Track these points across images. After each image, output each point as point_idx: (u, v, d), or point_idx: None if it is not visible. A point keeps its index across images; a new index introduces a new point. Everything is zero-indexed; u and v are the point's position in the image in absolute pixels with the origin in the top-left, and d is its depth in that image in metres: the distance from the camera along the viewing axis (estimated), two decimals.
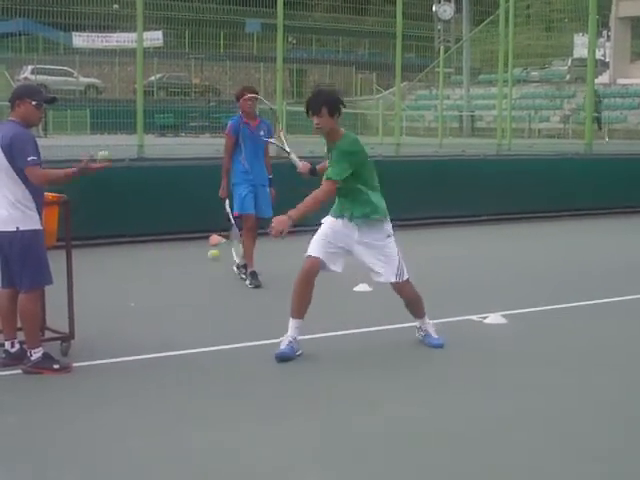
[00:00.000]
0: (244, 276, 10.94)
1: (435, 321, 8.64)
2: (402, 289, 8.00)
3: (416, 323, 8.32)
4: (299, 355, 7.70)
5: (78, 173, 7.29)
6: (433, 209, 16.32)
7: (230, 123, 11.11)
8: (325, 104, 7.62)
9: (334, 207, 7.91)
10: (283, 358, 7.59)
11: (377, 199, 7.82)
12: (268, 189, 11.02)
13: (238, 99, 10.97)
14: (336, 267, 7.84)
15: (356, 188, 7.72)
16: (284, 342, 7.70)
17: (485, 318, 9.09)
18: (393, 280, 7.91)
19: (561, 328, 9.00)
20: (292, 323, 7.75)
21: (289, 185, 12.39)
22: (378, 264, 7.87)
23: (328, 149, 7.83)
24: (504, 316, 9.14)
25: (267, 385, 7.08)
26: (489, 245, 14.79)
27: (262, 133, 10.89)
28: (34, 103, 7.21)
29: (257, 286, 10.74)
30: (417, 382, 7.21)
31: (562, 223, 17.51)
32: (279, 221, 7.32)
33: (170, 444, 5.80)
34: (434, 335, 8.21)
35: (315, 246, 7.77)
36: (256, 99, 10.95)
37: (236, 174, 10.94)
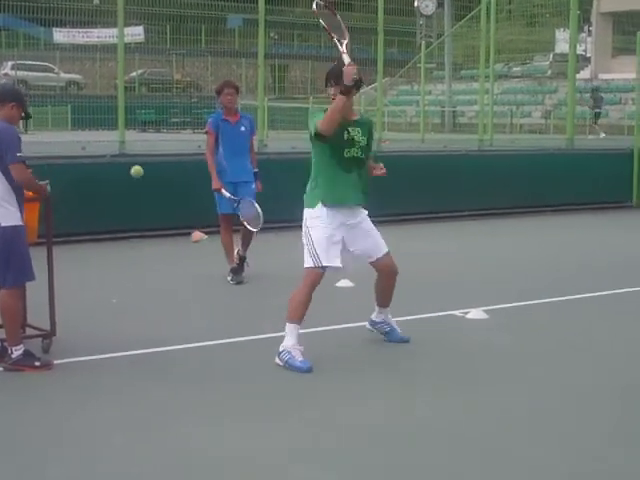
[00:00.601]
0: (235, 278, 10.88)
1: (417, 316, 8.69)
2: (393, 260, 7.80)
3: (377, 316, 8.13)
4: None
5: (45, 193, 7.49)
6: (415, 205, 16.34)
7: (210, 120, 11.05)
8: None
9: (333, 193, 7.53)
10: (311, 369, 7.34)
11: None
12: (253, 185, 10.94)
13: (218, 94, 10.94)
14: (338, 263, 7.58)
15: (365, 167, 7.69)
16: (300, 354, 7.36)
17: (467, 313, 9.11)
18: (386, 250, 7.75)
19: (542, 323, 9.03)
20: (294, 329, 7.45)
21: (274, 181, 12.45)
22: (376, 237, 7.73)
23: (344, 122, 7.42)
24: (486, 311, 9.16)
25: (251, 382, 7.07)
26: (471, 241, 14.81)
27: (243, 129, 10.86)
28: (19, 108, 7.27)
29: (239, 282, 10.72)
30: (400, 378, 7.22)
31: (544, 218, 17.56)
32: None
33: (155, 440, 5.79)
34: (398, 329, 8.12)
35: (325, 254, 7.43)
36: (237, 93, 10.91)
37: (217, 172, 10.85)
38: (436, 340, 8.22)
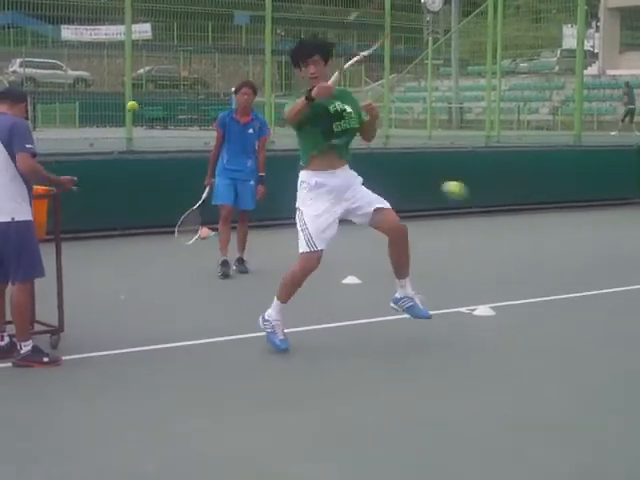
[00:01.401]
0: (236, 269, 11.12)
1: None
2: (397, 217, 7.59)
3: (399, 292, 7.88)
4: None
5: (58, 182, 7.58)
6: (421, 201, 16.31)
7: (219, 116, 11.25)
8: (319, 49, 7.29)
9: (322, 161, 7.38)
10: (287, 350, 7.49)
11: None
12: (252, 183, 11.07)
13: (236, 92, 11.14)
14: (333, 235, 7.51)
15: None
16: (282, 333, 7.55)
17: (474, 310, 9.12)
18: (386, 204, 7.56)
19: (549, 320, 9.04)
20: (281, 307, 7.59)
21: (282, 177, 12.46)
22: (372, 195, 7.57)
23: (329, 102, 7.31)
24: (493, 308, 9.17)
25: (257, 377, 7.09)
26: (478, 237, 14.81)
27: (251, 131, 10.97)
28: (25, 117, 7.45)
29: (226, 276, 10.86)
30: (405, 375, 7.22)
31: (551, 215, 17.54)
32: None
33: (161, 435, 5.81)
34: (420, 305, 7.87)
35: (320, 236, 7.37)
36: (254, 94, 11.02)
37: (218, 167, 11.07)
38: (443, 337, 8.22)
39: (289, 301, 7.63)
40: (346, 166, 7.57)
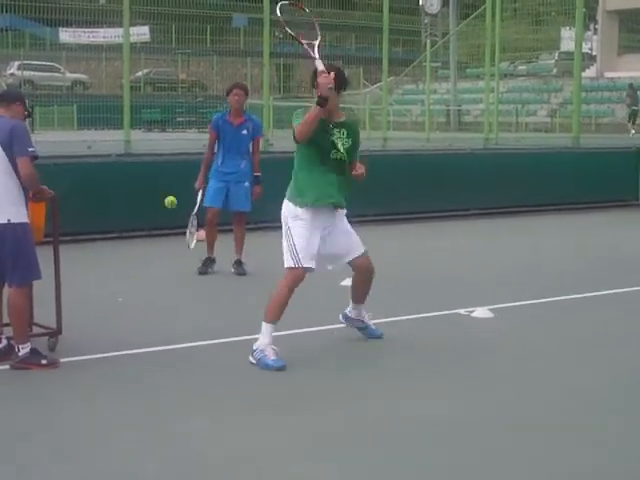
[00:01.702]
0: (235, 271, 11.20)
1: (422, 315, 8.68)
2: (369, 259, 7.83)
3: (351, 312, 8.17)
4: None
5: (45, 195, 7.52)
6: (420, 203, 16.33)
7: (213, 118, 11.37)
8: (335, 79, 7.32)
9: (313, 193, 7.48)
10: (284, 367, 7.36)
11: None
12: (247, 185, 11.13)
13: (228, 94, 11.16)
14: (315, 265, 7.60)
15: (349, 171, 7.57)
16: (273, 353, 7.36)
17: (472, 312, 9.12)
18: (362, 250, 7.79)
19: (547, 322, 9.04)
20: (271, 330, 7.46)
21: (280, 180, 12.46)
22: (352, 238, 7.76)
23: (333, 123, 7.49)
24: (491, 310, 9.17)
25: (256, 379, 7.08)
26: (476, 239, 14.81)
27: (245, 132, 11.01)
28: (25, 113, 7.41)
29: (202, 273, 11.10)
30: (403, 376, 7.23)
31: (549, 217, 17.55)
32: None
33: (161, 436, 5.82)
34: (372, 325, 8.19)
35: (304, 253, 7.43)
36: (245, 95, 11.05)
37: (212, 169, 11.16)
38: (441, 339, 8.22)
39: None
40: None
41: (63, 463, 5.43)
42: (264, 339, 7.39)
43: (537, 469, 5.35)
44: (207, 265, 11.24)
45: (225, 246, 11.29)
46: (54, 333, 7.73)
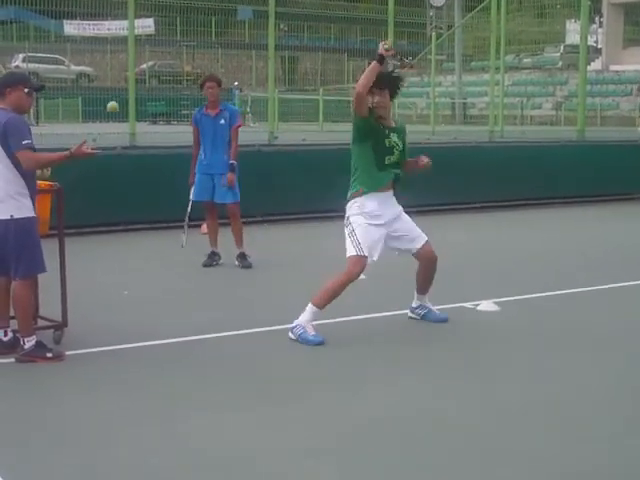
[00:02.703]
0: (239, 264, 11.19)
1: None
2: (432, 248, 8.28)
3: (415, 302, 8.52)
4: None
5: (70, 156, 7.25)
6: (425, 197, 16.28)
7: (193, 114, 11.54)
8: (389, 84, 7.80)
9: (374, 181, 7.97)
10: (323, 342, 7.72)
11: None
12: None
13: (202, 87, 11.30)
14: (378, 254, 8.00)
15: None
16: (313, 329, 7.76)
17: (478, 305, 9.11)
18: (425, 239, 8.25)
19: (553, 315, 9.02)
20: (316, 313, 7.82)
21: (285, 173, 12.46)
22: (415, 229, 8.24)
23: (389, 129, 7.99)
24: (497, 303, 9.16)
25: (261, 372, 7.08)
26: (481, 232, 14.80)
27: (222, 122, 11.11)
28: (26, 90, 7.21)
29: (205, 265, 11.19)
30: (409, 370, 7.21)
31: (554, 210, 17.53)
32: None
33: (164, 430, 5.81)
34: (435, 310, 8.49)
35: (369, 245, 7.85)
36: (218, 86, 11.21)
37: (197, 163, 11.27)
38: (446, 332, 8.21)
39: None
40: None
41: (66, 456, 5.43)
42: (306, 316, 7.77)
43: (540, 469, 5.33)
44: (212, 258, 11.28)
45: (227, 240, 11.29)
46: (59, 326, 7.73)
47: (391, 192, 8.09)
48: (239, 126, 11.31)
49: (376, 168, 7.93)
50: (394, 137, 8.02)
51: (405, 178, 8.21)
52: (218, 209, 11.31)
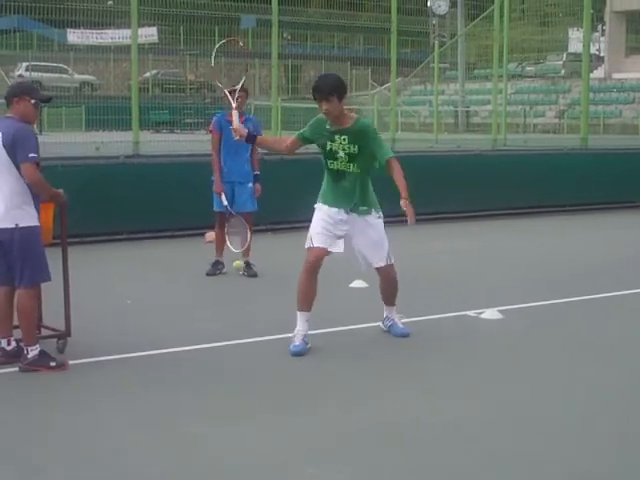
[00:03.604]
0: (244, 273, 11.13)
1: (431, 316, 8.66)
2: (390, 271, 8.08)
3: (385, 312, 8.42)
4: (309, 348, 7.79)
5: (60, 199, 7.51)
6: (428, 205, 16.26)
7: (214, 119, 11.30)
8: (333, 89, 7.63)
9: (328, 196, 7.89)
10: (299, 353, 7.67)
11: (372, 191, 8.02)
12: (250, 185, 11.10)
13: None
14: (338, 248, 7.90)
15: (367, 176, 7.88)
16: (298, 337, 7.77)
17: (481, 313, 9.10)
18: (383, 263, 8.01)
19: (557, 323, 9.02)
20: (302, 316, 7.82)
21: (279, 181, 12.47)
22: (375, 249, 7.96)
23: (335, 131, 7.77)
24: (500, 311, 9.15)
25: (263, 381, 7.09)
26: (485, 240, 14.79)
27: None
28: (33, 102, 7.23)
29: (209, 274, 11.13)
30: (414, 377, 7.22)
31: (558, 219, 17.52)
32: (408, 205, 7.62)
33: (168, 438, 5.82)
34: (400, 324, 8.32)
35: (317, 236, 7.80)
36: (246, 96, 10.98)
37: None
38: (450, 340, 8.21)
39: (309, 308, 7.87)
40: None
41: (71, 465, 5.43)
42: (297, 325, 7.82)
43: (542, 470, 5.34)
44: (216, 267, 11.23)
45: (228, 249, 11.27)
46: (63, 335, 7.73)
47: (345, 213, 7.85)
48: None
49: (329, 178, 7.89)
50: (340, 139, 7.76)
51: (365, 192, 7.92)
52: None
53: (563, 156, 19.23)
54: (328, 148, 7.79)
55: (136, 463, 5.46)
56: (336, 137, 7.74)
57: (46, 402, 6.64)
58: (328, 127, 7.79)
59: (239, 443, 5.77)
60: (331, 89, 7.62)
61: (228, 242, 10.98)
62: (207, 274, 11.13)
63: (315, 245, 7.78)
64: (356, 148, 7.73)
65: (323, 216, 7.84)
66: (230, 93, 8.25)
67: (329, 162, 7.83)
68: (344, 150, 7.74)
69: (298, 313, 7.82)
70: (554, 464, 5.43)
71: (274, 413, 6.34)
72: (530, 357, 7.77)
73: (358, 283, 10.17)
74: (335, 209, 7.84)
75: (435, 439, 5.86)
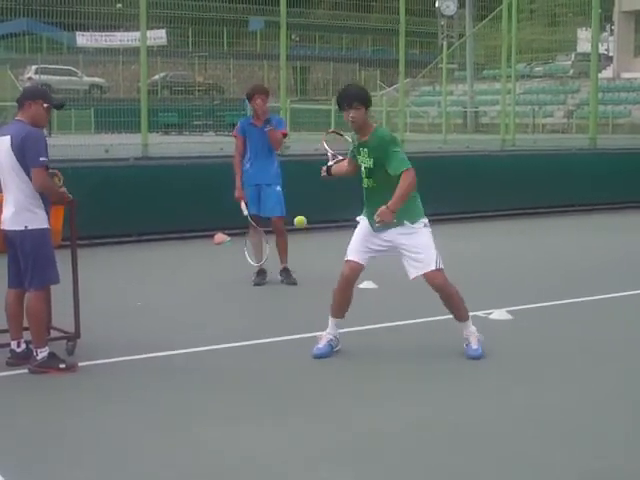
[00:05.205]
0: (283, 280, 10.88)
1: (439, 317, 8.64)
2: (434, 280, 7.66)
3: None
4: (337, 351, 7.79)
5: (66, 201, 7.51)
6: (437, 205, 16.24)
7: (238, 124, 11.09)
8: (358, 97, 7.51)
9: (365, 209, 7.75)
10: (321, 356, 7.66)
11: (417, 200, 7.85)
12: (279, 188, 10.85)
13: (249, 99, 10.85)
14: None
15: (387, 191, 7.40)
16: (323, 340, 7.75)
17: (490, 314, 9.10)
18: (419, 272, 7.65)
19: (566, 324, 9.01)
20: (333, 322, 7.82)
21: (300, 183, 12.45)
22: (410, 259, 7.66)
23: (359, 144, 7.64)
24: (509, 312, 9.15)
25: (273, 383, 7.09)
26: (494, 241, 14.78)
27: (269, 127, 10.69)
28: (45, 105, 7.24)
29: (257, 284, 10.78)
30: (424, 378, 7.21)
31: (567, 219, 17.50)
32: (384, 214, 7.29)
33: (179, 441, 5.81)
34: (474, 344, 7.75)
35: (354, 250, 7.69)
36: (267, 98, 10.86)
37: (243, 175, 10.84)
38: (459, 341, 8.20)
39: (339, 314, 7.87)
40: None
41: (81, 468, 5.44)
42: (328, 328, 7.80)
43: (553, 474, 5.33)
44: (262, 277, 10.87)
45: (239, 250, 11.23)
46: (72, 337, 7.75)
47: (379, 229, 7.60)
48: (285, 134, 11.13)
49: (363, 192, 7.77)
50: (363, 152, 7.64)
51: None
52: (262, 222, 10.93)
53: (572, 156, 19.21)
54: (358, 163, 7.72)
55: (148, 465, 5.47)
56: (360, 150, 7.64)
57: (56, 404, 6.65)
58: (356, 141, 7.72)
59: (252, 445, 5.77)
60: (358, 98, 7.50)
61: (247, 253, 10.84)
62: (255, 284, 10.75)
63: (349, 258, 7.70)
64: (371, 162, 7.54)
65: (362, 229, 7.73)
66: (333, 156, 8.28)
67: (363, 180, 7.72)
68: (364, 164, 7.61)
69: (330, 317, 7.83)
70: (555, 465, 5.42)
71: (288, 415, 6.34)
72: (539, 358, 7.76)
73: (368, 284, 10.17)
74: (369, 223, 7.68)
75: (442, 441, 5.85)
